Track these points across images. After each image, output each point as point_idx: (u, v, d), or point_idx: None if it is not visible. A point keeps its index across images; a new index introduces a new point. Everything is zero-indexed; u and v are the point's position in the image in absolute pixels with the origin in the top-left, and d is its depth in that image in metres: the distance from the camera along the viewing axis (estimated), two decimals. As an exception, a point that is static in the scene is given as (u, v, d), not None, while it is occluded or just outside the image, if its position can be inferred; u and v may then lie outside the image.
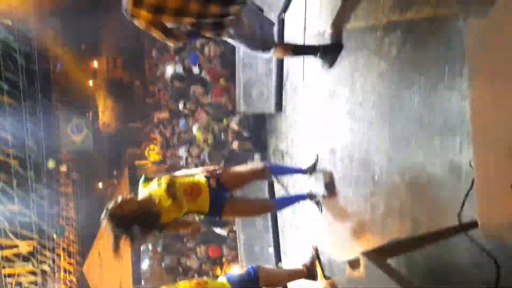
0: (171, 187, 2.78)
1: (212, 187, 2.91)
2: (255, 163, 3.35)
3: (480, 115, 1.19)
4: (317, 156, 3.24)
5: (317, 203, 3.36)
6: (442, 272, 2.01)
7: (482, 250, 1.76)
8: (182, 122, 6.87)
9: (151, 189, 2.81)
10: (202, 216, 2.93)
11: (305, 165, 3.39)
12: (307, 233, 3.77)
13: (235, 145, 4.56)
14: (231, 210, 3.03)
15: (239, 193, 3.27)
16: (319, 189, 3.33)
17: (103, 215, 2.61)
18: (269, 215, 4.69)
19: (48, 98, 10.09)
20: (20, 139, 7.99)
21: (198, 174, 2.99)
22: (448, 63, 1.99)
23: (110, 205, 2.63)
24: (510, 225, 1.05)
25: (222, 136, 4.71)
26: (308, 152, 3.57)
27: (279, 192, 4.62)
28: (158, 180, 2.84)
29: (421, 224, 2.18)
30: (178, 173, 3.15)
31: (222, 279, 3.03)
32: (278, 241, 4.64)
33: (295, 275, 3.44)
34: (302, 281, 3.45)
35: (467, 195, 1.85)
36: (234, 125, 4.55)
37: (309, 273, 3.39)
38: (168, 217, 2.73)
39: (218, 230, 7.08)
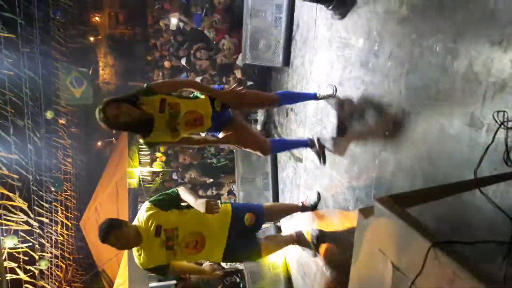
0: (173, 120, 2.66)
1: (216, 110, 2.82)
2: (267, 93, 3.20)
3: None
4: (335, 87, 3.04)
5: (318, 153, 3.28)
6: (454, 229, 1.92)
7: (498, 208, 1.67)
8: (184, 75, 6.69)
9: (152, 107, 2.60)
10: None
11: (319, 92, 3.17)
12: (308, 192, 3.68)
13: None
14: (231, 129, 2.98)
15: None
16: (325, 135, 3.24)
17: (98, 112, 2.48)
18: (269, 174, 4.60)
19: (48, 45, 9.80)
20: (17, 86, 7.80)
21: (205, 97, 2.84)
22: (478, 6, 1.82)
23: (109, 107, 2.47)
24: None
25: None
26: (314, 109, 3.43)
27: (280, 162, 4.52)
28: (161, 101, 2.62)
29: (434, 181, 2.07)
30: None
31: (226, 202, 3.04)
32: (278, 201, 4.57)
33: (291, 209, 3.49)
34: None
35: (486, 150, 1.73)
36: (238, 73, 4.37)
37: (303, 209, 3.45)
38: (160, 139, 2.74)
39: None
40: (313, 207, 3.40)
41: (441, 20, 2.03)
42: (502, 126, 1.70)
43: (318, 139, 3.30)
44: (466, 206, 1.87)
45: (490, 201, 1.69)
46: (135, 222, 2.73)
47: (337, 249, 3.10)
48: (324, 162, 3.26)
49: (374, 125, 2.59)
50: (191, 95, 2.87)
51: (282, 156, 4.45)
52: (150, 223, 2.68)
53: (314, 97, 3.16)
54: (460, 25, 1.92)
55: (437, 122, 2.05)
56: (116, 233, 2.56)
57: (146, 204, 2.80)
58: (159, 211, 2.74)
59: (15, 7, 7.55)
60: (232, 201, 3.20)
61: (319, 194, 3.38)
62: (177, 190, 2.87)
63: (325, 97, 3.10)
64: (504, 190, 1.77)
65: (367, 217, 1.41)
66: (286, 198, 4.31)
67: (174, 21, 7.79)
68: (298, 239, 3.43)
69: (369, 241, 1.42)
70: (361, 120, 2.75)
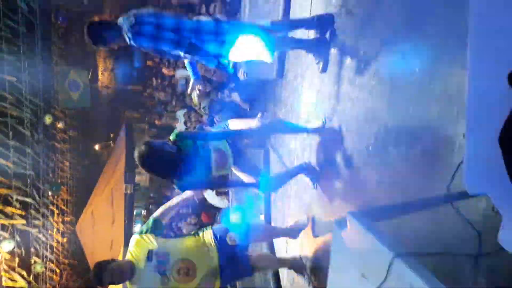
0: None
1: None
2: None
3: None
4: (325, 119, 3.18)
5: (312, 179, 3.38)
6: (426, 240, 2.04)
7: (467, 222, 1.79)
8: (182, 82, 6.83)
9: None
10: None
11: (310, 127, 3.32)
12: (298, 202, 3.80)
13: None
14: None
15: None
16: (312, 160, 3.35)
17: (139, 158, 2.57)
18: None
19: (48, 50, 9.96)
20: (17, 91, 7.94)
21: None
22: (452, 33, 1.96)
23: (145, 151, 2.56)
24: (494, 182, 1.05)
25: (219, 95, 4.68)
26: (306, 119, 3.56)
27: (274, 162, 4.63)
28: None
29: (411, 195, 2.19)
30: None
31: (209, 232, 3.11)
32: (269, 209, 4.68)
33: (281, 233, 3.57)
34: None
35: (458, 167, 1.85)
36: (234, 96, 4.48)
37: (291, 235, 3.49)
38: None
39: (215, 201, 7.08)
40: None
41: (421, 44, 2.16)
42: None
43: (309, 164, 3.42)
44: (439, 218, 1.99)
45: (461, 216, 1.81)
46: (127, 257, 2.87)
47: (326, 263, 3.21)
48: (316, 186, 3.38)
49: (358, 140, 2.72)
50: None
51: (275, 166, 4.56)
52: (140, 249, 2.82)
53: (305, 130, 3.33)
54: (438, 49, 2.05)
55: (416, 139, 2.18)
56: (108, 270, 2.69)
57: (135, 236, 2.94)
58: (148, 238, 2.90)
59: (17, 14, 7.72)
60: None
61: (308, 219, 3.46)
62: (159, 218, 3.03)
63: (315, 130, 3.26)
64: (473, 205, 1.89)
65: (342, 228, 1.53)
66: (277, 207, 4.42)
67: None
68: (293, 265, 3.54)
69: (342, 250, 1.54)
70: (346, 135, 2.88)
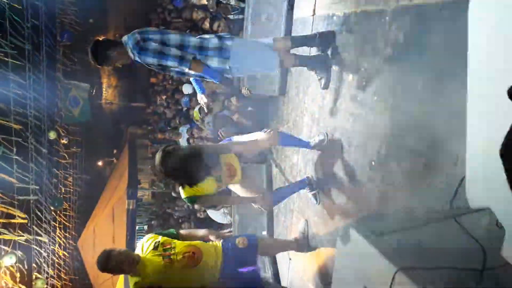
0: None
1: None
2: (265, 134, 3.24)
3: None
4: (327, 134, 3.21)
5: (315, 195, 3.39)
6: (429, 255, 2.03)
7: (471, 237, 1.79)
8: (185, 99, 6.89)
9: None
10: None
11: (312, 141, 3.32)
12: (301, 217, 3.79)
13: (235, 117, 4.57)
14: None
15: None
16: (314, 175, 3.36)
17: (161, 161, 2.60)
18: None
19: (53, 68, 10.11)
20: (22, 107, 8.05)
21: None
22: (453, 50, 1.99)
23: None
24: (496, 196, 1.07)
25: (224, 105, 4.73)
26: (308, 135, 3.58)
27: (275, 175, 4.64)
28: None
29: (414, 210, 2.20)
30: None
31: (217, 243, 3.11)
32: (272, 225, 4.66)
33: (287, 245, 3.53)
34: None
35: (461, 182, 1.86)
36: (234, 100, 4.55)
37: (299, 246, 3.45)
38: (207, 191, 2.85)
39: (218, 218, 7.02)
40: (310, 246, 3.44)
41: (421, 61, 2.19)
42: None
43: (312, 178, 3.44)
44: (443, 232, 1.99)
45: (464, 230, 1.82)
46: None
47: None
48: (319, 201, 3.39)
49: (361, 156, 2.73)
50: None
51: (277, 180, 4.57)
52: (149, 242, 2.89)
53: (307, 145, 3.32)
54: (438, 66, 2.08)
55: (418, 155, 2.19)
56: (114, 256, 2.73)
57: (146, 235, 3.04)
58: (158, 235, 2.98)
59: (23, 32, 7.86)
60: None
61: (306, 222, 3.50)
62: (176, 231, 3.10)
63: (318, 144, 3.26)
64: (477, 219, 1.89)
65: (345, 243, 1.53)
66: (280, 221, 4.41)
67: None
68: None
69: (346, 264, 1.54)
70: (349, 151, 2.89)
